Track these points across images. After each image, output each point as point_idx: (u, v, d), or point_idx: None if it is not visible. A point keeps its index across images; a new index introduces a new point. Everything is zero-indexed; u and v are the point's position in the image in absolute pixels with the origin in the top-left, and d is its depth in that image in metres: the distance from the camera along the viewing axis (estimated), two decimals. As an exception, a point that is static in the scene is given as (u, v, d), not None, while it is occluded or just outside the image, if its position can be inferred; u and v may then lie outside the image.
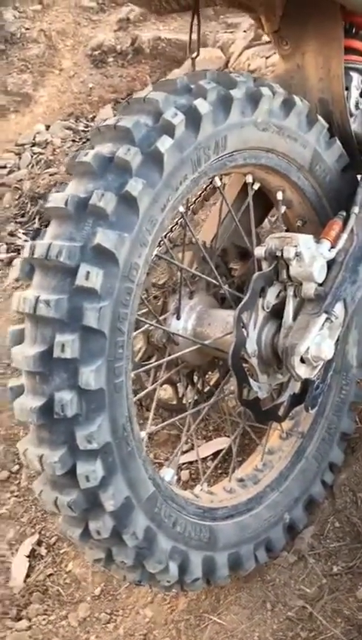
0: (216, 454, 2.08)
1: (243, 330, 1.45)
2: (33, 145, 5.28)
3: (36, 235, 1.27)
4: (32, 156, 5.11)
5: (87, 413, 1.16)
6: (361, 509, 1.77)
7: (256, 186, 1.64)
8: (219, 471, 2.07)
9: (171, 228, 1.81)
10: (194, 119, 1.29)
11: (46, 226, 1.24)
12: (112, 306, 1.16)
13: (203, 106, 1.29)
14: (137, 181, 1.18)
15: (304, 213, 1.74)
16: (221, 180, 1.55)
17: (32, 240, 1.28)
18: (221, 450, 2.07)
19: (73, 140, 5.16)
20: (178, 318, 1.62)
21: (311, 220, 1.74)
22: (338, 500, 1.85)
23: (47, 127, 5.51)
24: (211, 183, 1.71)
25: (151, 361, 1.67)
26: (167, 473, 1.49)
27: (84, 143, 4.96)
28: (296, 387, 1.59)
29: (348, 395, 1.83)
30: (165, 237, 1.76)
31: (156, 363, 1.55)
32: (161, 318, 1.57)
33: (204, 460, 2.10)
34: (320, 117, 1.62)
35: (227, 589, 1.66)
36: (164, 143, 1.22)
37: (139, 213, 1.20)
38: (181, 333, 1.62)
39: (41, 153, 5.13)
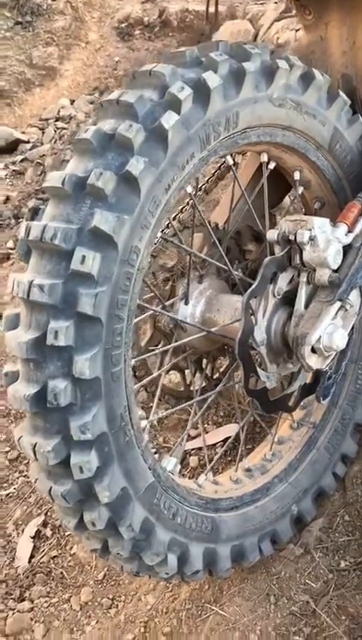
0: (225, 441, 2.03)
1: (252, 317, 1.39)
2: (57, 120, 5.22)
3: (34, 214, 1.22)
4: (55, 131, 5.05)
5: (81, 402, 1.12)
6: (373, 504, 1.71)
7: (272, 166, 1.56)
8: (229, 458, 2.03)
9: (182, 209, 1.74)
10: (202, 94, 1.21)
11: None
12: (110, 292, 1.11)
13: (212, 79, 1.21)
14: (139, 160, 1.11)
15: (322, 194, 1.65)
16: (233, 158, 1.48)
17: (30, 220, 1.23)
18: (230, 437, 2.03)
19: (97, 115, 5.08)
20: (186, 302, 1.56)
21: (330, 201, 1.66)
22: (349, 492, 1.79)
23: (72, 102, 5.44)
24: (223, 161, 1.64)
25: (158, 347, 1.62)
26: (170, 462, 1.44)
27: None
28: (307, 377, 1.53)
29: (363, 385, 1.76)
30: (175, 218, 1.69)
31: (161, 349, 1.50)
32: (168, 303, 1.52)
33: (213, 446, 2.06)
34: (341, 93, 1.53)
35: (230, 579, 1.63)
36: (169, 120, 1.15)
37: (141, 194, 1.13)
38: (189, 318, 1.56)
39: (64, 128, 5.07)
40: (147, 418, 1.36)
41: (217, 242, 1.48)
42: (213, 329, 1.47)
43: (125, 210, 1.12)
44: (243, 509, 1.56)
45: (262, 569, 1.64)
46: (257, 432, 1.97)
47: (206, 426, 2.09)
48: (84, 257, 1.07)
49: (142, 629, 1.61)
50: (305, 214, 1.71)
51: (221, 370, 1.78)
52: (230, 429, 2.06)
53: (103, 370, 1.13)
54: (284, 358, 1.49)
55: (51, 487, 1.19)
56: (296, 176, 1.59)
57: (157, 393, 1.54)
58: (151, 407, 1.55)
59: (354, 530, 1.70)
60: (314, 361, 1.42)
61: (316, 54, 1.61)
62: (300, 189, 1.63)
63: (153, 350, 1.61)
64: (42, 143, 5.08)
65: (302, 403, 1.59)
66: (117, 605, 1.70)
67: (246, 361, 1.37)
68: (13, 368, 1.19)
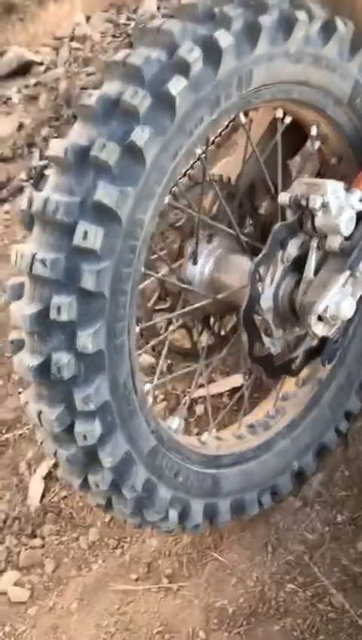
0: (231, 391, 2.07)
1: (259, 284, 1.37)
2: (71, 39, 5.00)
3: (38, 180, 1.19)
4: (69, 52, 4.85)
5: (85, 374, 1.14)
6: (374, 460, 1.75)
7: (288, 120, 1.50)
8: (234, 408, 2.07)
9: (192, 164, 1.69)
10: (213, 54, 1.14)
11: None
12: (113, 267, 1.10)
13: (224, 38, 1.14)
14: (144, 129, 1.07)
15: (340, 149, 1.59)
16: (246, 115, 1.41)
17: (34, 186, 1.21)
18: (236, 387, 2.06)
19: (113, 36, 4.85)
20: (194, 262, 1.55)
21: (348, 157, 1.60)
22: (351, 448, 1.83)
23: (88, 19, 5.18)
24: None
25: (165, 306, 1.62)
26: (173, 422, 1.48)
27: (124, 39, 4.66)
28: (312, 341, 1.53)
29: (371, 343, 1.75)
30: (184, 174, 1.64)
31: (166, 317, 1.50)
32: (175, 265, 1.50)
33: (220, 395, 2.10)
34: (366, 42, 1.44)
35: (231, 527, 1.70)
36: (177, 85, 1.09)
37: (146, 165, 1.10)
38: (197, 278, 1.55)
39: (79, 49, 4.86)
40: (151, 382, 1.38)
41: (226, 207, 1.43)
42: (218, 295, 1.46)
43: (129, 182, 1.09)
44: (244, 465, 1.60)
45: (262, 519, 1.70)
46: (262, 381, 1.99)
47: (213, 375, 2.12)
48: (86, 233, 1.06)
49: (146, 570, 1.70)
50: (321, 170, 1.66)
51: (228, 327, 1.78)
52: (236, 380, 2.08)
53: (107, 343, 1.14)
54: (291, 322, 1.48)
55: (56, 450, 1.24)
56: (313, 131, 1.53)
57: (163, 353, 1.55)
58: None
59: (352, 485, 1.75)
60: (320, 329, 1.41)
61: (340, -3, 1.50)
62: (317, 144, 1.57)
63: (160, 310, 1.61)
64: (56, 66, 4.89)
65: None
66: (122, 546, 1.79)
67: (251, 328, 1.37)
68: (18, 336, 1.20)
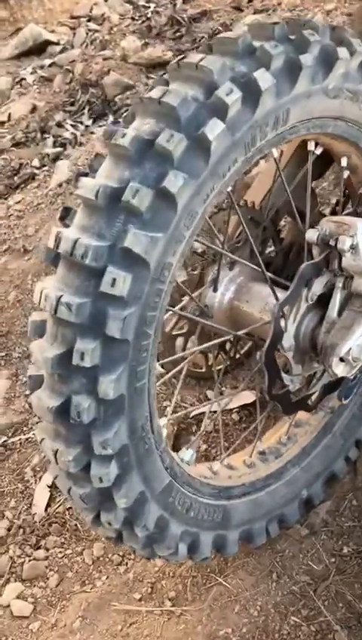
0: (241, 408, 2.06)
1: (282, 322, 1.35)
2: (89, 19, 4.88)
3: (65, 214, 1.16)
4: (87, 34, 4.74)
5: (104, 418, 1.12)
6: (382, 490, 1.75)
7: (319, 152, 1.46)
8: (243, 425, 2.06)
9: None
10: (252, 95, 1.10)
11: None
12: (139, 312, 1.08)
13: (265, 78, 1.10)
14: (177, 175, 1.03)
15: (369, 179, 1.56)
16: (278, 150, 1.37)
17: (61, 220, 1.17)
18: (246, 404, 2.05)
19: (132, 18, 4.74)
20: (214, 290, 1.52)
21: (376, 187, 1.56)
22: (359, 476, 1.83)
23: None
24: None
25: (182, 331, 1.60)
26: (186, 454, 1.47)
27: (143, 22, 4.55)
28: (329, 377, 1.51)
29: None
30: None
31: (188, 352, 1.48)
32: (195, 294, 1.47)
33: (229, 412, 2.08)
34: None
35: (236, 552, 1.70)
36: (214, 129, 1.05)
37: (177, 210, 1.07)
38: (216, 305, 1.53)
39: (96, 30, 4.75)
40: (165, 415, 1.37)
41: (249, 235, 1.40)
42: (239, 332, 1.44)
43: (160, 228, 1.06)
44: (254, 495, 1.60)
45: (267, 545, 1.70)
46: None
47: (223, 389, 2.10)
48: (114, 280, 1.03)
49: (149, 590, 1.71)
50: (346, 205, 1.62)
51: (243, 351, 1.77)
52: (246, 396, 2.07)
53: (128, 387, 1.12)
54: (310, 358, 1.46)
55: (70, 488, 1.22)
56: (343, 162, 1.49)
57: (180, 380, 1.53)
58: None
59: (360, 516, 1.75)
60: (340, 370, 1.39)
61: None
62: (346, 173, 1.53)
63: (177, 335, 1.59)
64: (72, 47, 4.78)
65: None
66: (126, 563, 1.79)
67: (272, 368, 1.35)
68: (37, 372, 1.18)
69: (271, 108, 1.15)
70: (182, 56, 1.12)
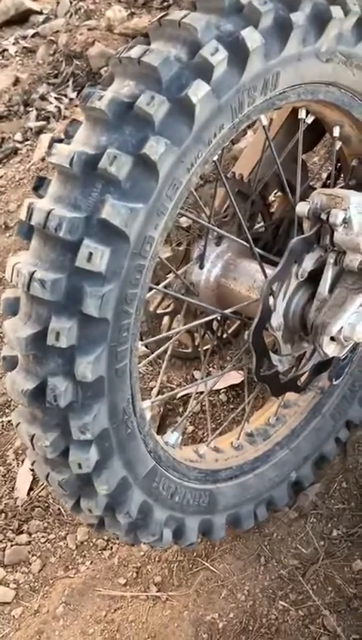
0: (228, 388, 2.01)
1: (271, 301, 1.28)
2: (73, -13, 4.71)
3: (39, 185, 1.08)
4: (70, 3, 4.59)
5: (82, 401, 1.06)
6: (373, 471, 1.71)
7: (310, 120, 1.38)
8: (231, 406, 2.01)
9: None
10: (239, 55, 1.03)
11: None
12: (118, 289, 1.01)
13: (253, 38, 1.02)
14: (159, 141, 0.96)
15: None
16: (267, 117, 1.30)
17: (34, 190, 1.10)
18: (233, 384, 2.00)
19: (117, -13, 4.58)
20: (201, 267, 1.46)
21: (370, 159, 1.49)
22: (349, 458, 1.79)
23: (90, -34, 4.87)
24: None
25: (167, 310, 1.54)
26: (171, 437, 1.41)
27: (130, -8, 4.40)
28: (320, 357, 1.45)
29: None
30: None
31: (172, 332, 1.41)
32: (180, 271, 1.41)
33: (217, 392, 2.03)
34: None
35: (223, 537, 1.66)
36: (198, 91, 0.98)
37: (159, 179, 0.99)
38: (202, 283, 1.46)
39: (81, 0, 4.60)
40: (150, 394, 1.31)
41: (237, 208, 1.33)
42: (226, 310, 1.37)
43: (140, 198, 0.98)
44: (241, 478, 1.55)
45: (255, 529, 1.66)
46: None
47: (211, 369, 2.05)
48: (91, 254, 0.96)
49: (134, 575, 1.66)
50: (338, 178, 1.56)
51: (230, 330, 1.71)
52: (235, 377, 2.02)
53: (107, 369, 1.06)
54: (300, 337, 1.41)
55: (49, 474, 1.17)
56: (336, 132, 1.42)
57: (165, 360, 1.47)
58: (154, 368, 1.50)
59: (349, 498, 1.71)
60: (331, 350, 1.34)
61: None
62: (338, 144, 1.46)
63: (162, 314, 1.53)
64: (56, 16, 4.63)
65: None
66: (111, 548, 1.75)
67: (260, 348, 1.29)
68: (11, 352, 1.11)
69: (259, 70, 1.07)
70: (164, 13, 1.03)
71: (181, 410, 1.98)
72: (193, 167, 1.05)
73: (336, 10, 1.14)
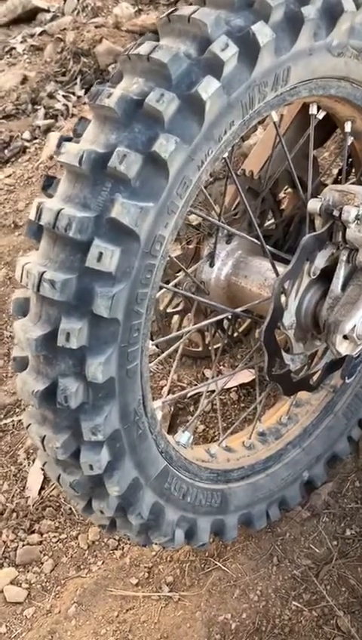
0: (239, 387, 2.00)
1: (283, 299, 1.27)
2: (80, -16, 4.70)
3: (48, 184, 1.07)
4: (78, 0, 4.58)
5: (93, 401, 1.05)
6: (386, 470, 1.69)
7: (321, 116, 1.37)
8: (242, 404, 2.00)
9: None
10: (249, 51, 1.01)
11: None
12: (129, 289, 1.00)
13: (263, 33, 1.00)
14: (169, 139, 0.95)
15: (374, 146, 1.47)
16: (279, 113, 1.28)
17: (43, 190, 1.09)
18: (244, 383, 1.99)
19: (125, -16, 4.57)
20: (211, 265, 1.44)
21: (382, 154, 1.47)
22: (362, 456, 1.77)
23: None
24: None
25: (178, 308, 1.53)
26: (183, 436, 1.40)
27: (136, -10, 4.39)
28: (332, 355, 1.44)
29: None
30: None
31: (182, 332, 1.40)
32: (191, 269, 1.40)
33: (228, 391, 2.02)
34: None
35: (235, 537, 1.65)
36: (208, 87, 0.96)
37: (169, 177, 0.98)
38: (212, 281, 1.45)
39: (88, -3, 4.58)
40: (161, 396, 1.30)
41: (248, 205, 1.31)
42: (237, 309, 1.36)
43: (150, 197, 0.97)
44: (253, 478, 1.54)
45: (268, 528, 1.65)
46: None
47: (221, 368, 2.04)
48: (101, 254, 0.95)
49: (146, 575, 1.66)
50: (349, 174, 1.54)
51: (241, 328, 1.69)
52: (246, 375, 2.00)
53: (118, 370, 1.05)
54: (312, 334, 1.39)
55: (60, 475, 1.16)
56: (347, 127, 1.40)
57: (176, 359, 1.46)
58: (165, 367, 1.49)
59: (363, 497, 1.69)
60: (344, 348, 1.32)
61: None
62: (350, 139, 1.44)
63: (173, 313, 1.52)
64: (63, 14, 4.63)
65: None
66: (122, 547, 1.74)
67: (272, 347, 1.27)
68: (21, 353, 1.10)
69: (270, 66, 1.05)
70: (173, 9, 1.02)
71: (192, 409, 1.97)
72: (203, 164, 1.04)
73: (348, 4, 1.12)
